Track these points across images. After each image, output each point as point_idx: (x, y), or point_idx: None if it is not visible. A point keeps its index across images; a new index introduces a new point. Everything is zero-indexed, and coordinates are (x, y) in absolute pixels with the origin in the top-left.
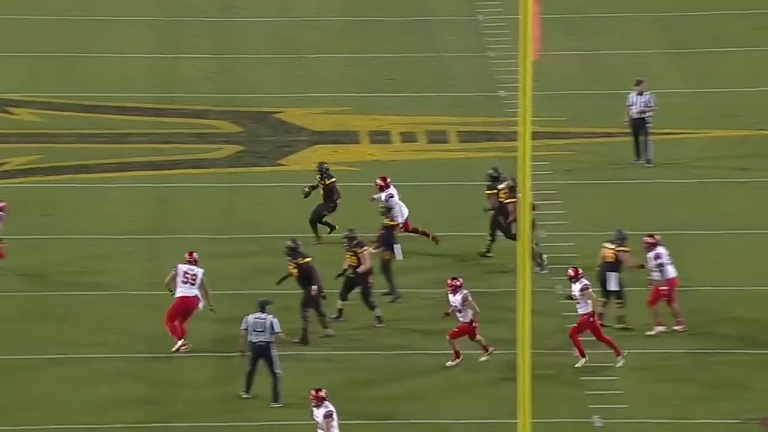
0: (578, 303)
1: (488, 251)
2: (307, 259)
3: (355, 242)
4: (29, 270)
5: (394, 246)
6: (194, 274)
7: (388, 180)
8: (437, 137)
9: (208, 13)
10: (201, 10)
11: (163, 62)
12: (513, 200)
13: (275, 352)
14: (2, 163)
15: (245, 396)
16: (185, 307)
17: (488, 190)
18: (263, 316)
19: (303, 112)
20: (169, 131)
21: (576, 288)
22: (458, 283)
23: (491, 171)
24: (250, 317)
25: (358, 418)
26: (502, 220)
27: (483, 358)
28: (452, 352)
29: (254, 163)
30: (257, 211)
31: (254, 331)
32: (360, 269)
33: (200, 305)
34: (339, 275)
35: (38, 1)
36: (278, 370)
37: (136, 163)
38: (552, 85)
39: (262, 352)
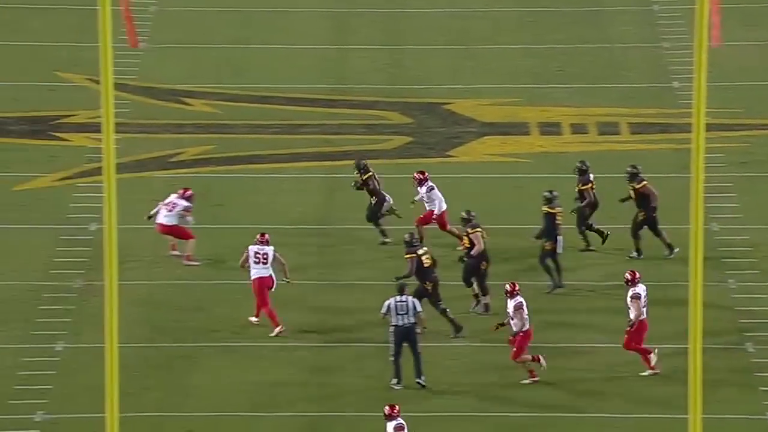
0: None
1: (603, 240)
2: (410, 255)
3: (469, 224)
4: (200, 259)
5: (557, 237)
6: (265, 254)
7: (426, 174)
8: (608, 129)
9: (379, 5)
10: (373, 1)
11: (335, 54)
12: (641, 186)
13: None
14: (178, 153)
15: (397, 387)
16: (262, 287)
17: (583, 185)
18: (404, 298)
19: (472, 103)
20: (340, 122)
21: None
22: (510, 288)
23: (579, 164)
24: (391, 301)
25: (512, 409)
26: (587, 212)
27: (525, 381)
28: (528, 371)
29: (423, 154)
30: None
31: (397, 314)
32: (473, 251)
33: (274, 286)
34: (461, 259)
35: None
36: (420, 350)
37: (307, 154)
38: (727, 76)
39: (407, 334)
